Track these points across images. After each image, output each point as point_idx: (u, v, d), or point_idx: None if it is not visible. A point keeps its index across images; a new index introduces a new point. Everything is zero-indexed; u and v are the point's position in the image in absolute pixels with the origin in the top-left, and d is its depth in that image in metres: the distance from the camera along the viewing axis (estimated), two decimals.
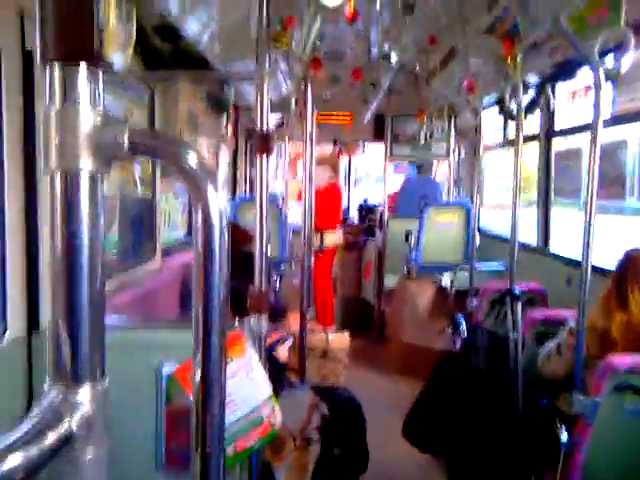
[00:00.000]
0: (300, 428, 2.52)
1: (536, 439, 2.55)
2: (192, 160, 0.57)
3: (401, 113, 6.77)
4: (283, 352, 2.50)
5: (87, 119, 0.55)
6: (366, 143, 8.73)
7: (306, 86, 3.11)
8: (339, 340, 3.56)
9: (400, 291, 5.72)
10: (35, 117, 1.96)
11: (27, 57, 1.93)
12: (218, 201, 0.58)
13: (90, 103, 0.55)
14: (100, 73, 0.56)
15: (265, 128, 2.00)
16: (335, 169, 5.97)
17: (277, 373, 2.40)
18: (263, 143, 1.99)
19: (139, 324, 2.24)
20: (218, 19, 3.28)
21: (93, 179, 0.57)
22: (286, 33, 2.56)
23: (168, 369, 2.01)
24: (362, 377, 4.70)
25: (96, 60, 0.55)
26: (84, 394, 0.57)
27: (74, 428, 0.55)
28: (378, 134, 7.14)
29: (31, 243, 2.00)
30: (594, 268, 2.40)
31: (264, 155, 2.02)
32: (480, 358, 2.95)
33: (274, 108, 2.84)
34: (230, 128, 5.63)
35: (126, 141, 0.56)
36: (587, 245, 2.31)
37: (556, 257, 4.18)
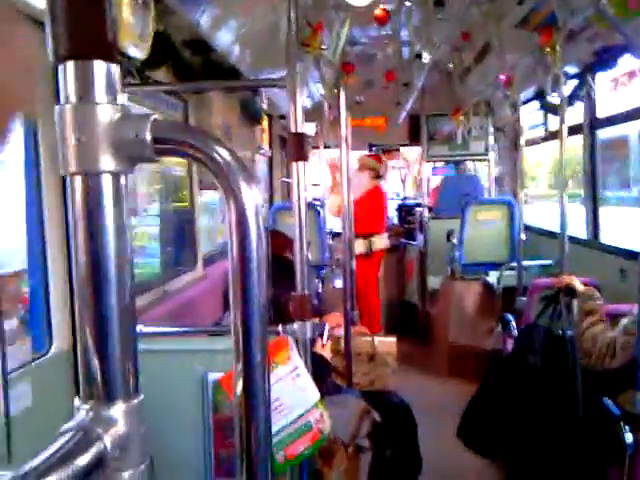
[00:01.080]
0: (351, 435, 2.47)
1: (599, 440, 2.44)
2: (224, 154, 0.53)
3: (436, 112, 6.67)
4: (324, 349, 2.45)
5: (105, 116, 0.52)
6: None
7: (339, 91, 3.09)
8: (386, 344, 3.49)
9: (445, 292, 5.62)
10: None
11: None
12: (253, 197, 0.54)
13: (107, 99, 0.52)
14: (117, 67, 0.53)
15: (300, 133, 1.97)
16: (378, 173, 5.90)
17: (321, 372, 2.36)
18: (298, 149, 1.97)
19: (183, 332, 2.24)
20: (247, 29, 3.29)
21: (116, 180, 0.53)
22: (316, 37, 2.53)
23: (213, 377, 2.00)
24: (410, 380, 4.62)
25: (111, 54, 0.51)
26: (117, 411, 0.54)
27: (108, 447, 0.52)
28: (414, 135, 7.06)
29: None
30: None
31: (300, 161, 1.99)
32: (535, 357, 2.85)
33: (308, 116, 2.82)
34: (265, 137, 5.66)
35: (149, 137, 0.52)
36: None
37: (609, 249, 4.03)
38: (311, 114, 5.53)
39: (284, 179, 6.63)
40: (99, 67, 0.51)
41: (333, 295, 5.07)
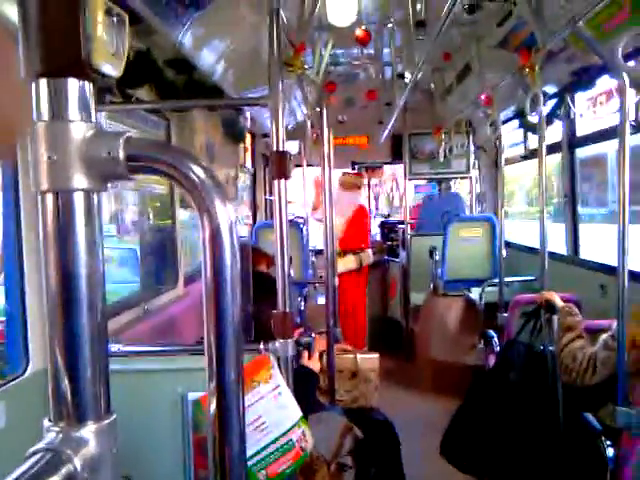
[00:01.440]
0: (333, 453, 2.45)
1: (580, 455, 2.45)
2: (198, 171, 0.52)
3: (418, 131, 6.74)
4: (313, 361, 2.44)
5: (77, 134, 0.51)
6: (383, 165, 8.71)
7: (321, 110, 3.10)
8: (368, 360, 3.48)
9: (428, 308, 5.63)
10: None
11: None
12: (228, 215, 0.53)
13: (81, 117, 0.52)
14: (90, 85, 0.52)
15: (282, 151, 1.98)
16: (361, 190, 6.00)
17: (309, 384, 2.34)
18: (280, 166, 1.97)
19: (163, 351, 2.21)
20: (230, 48, 3.31)
21: (88, 198, 0.53)
22: (299, 56, 2.55)
23: (194, 396, 1.98)
24: (393, 397, 4.60)
25: (84, 72, 0.51)
26: (87, 432, 0.53)
27: (78, 469, 0.51)
28: (396, 154, 7.12)
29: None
30: (632, 274, 2.32)
31: (282, 179, 2.00)
32: (517, 373, 2.86)
33: (291, 134, 2.83)
34: (247, 155, 5.67)
35: (122, 155, 0.51)
36: (622, 252, 2.24)
37: (588, 265, 4.07)
38: (294, 133, 5.56)
39: (267, 197, 6.64)
40: (72, 85, 0.51)
41: (316, 312, 5.05)
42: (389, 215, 9.29)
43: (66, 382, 0.52)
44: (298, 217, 6.41)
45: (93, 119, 0.53)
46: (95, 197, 0.53)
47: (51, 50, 0.49)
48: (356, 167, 7.78)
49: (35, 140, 0.51)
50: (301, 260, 5.31)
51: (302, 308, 4.93)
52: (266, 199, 6.67)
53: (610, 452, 2.26)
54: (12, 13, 1.65)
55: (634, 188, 2.31)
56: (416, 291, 6.14)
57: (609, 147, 4.23)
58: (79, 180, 0.51)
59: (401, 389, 5.13)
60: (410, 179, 7.03)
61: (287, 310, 2.03)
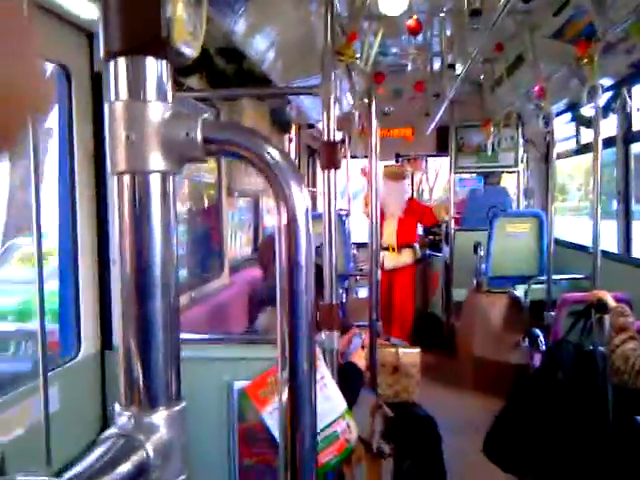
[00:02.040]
0: (367, 431, 2.44)
1: (631, 459, 2.37)
2: (274, 154, 0.51)
3: (465, 124, 6.62)
4: (359, 357, 2.43)
5: (155, 114, 0.50)
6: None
7: (370, 100, 3.06)
8: (410, 355, 3.45)
9: (470, 304, 5.55)
10: (105, 136, 1.99)
11: (96, 77, 1.97)
12: (304, 200, 0.52)
13: (158, 97, 0.51)
14: (168, 65, 0.51)
15: (333, 141, 1.96)
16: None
17: (356, 380, 2.34)
18: (331, 156, 1.95)
19: (210, 340, 2.23)
20: (280, 37, 3.30)
21: (164, 180, 0.52)
22: (350, 45, 2.52)
23: (239, 385, 1.99)
24: (434, 393, 4.55)
25: (163, 51, 0.50)
26: (159, 418, 0.52)
27: (150, 455, 0.50)
28: (441, 146, 7.01)
29: (103, 261, 2.03)
30: None
31: (332, 169, 1.97)
32: (565, 373, 2.78)
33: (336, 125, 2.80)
34: (292, 146, 5.68)
35: (199, 137, 0.50)
36: None
37: None
38: (340, 123, 5.53)
39: (310, 188, 6.64)
40: (151, 64, 0.50)
41: (357, 305, 5.04)
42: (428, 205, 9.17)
43: (139, 367, 0.51)
44: (340, 209, 6.39)
45: (170, 99, 0.52)
46: (171, 179, 0.52)
47: (131, 28, 0.49)
48: (400, 159, 7.71)
49: (113, 120, 0.51)
50: (343, 253, 5.29)
51: (344, 300, 4.92)
52: (309, 190, 6.67)
53: None
54: None
55: None
56: (458, 287, 6.06)
57: None
58: (156, 161, 0.50)
59: (441, 385, 5.07)
60: (456, 172, 6.92)
61: (334, 302, 2.01)
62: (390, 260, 5.71)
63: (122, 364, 0.52)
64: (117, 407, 0.53)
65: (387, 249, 5.68)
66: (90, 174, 1.99)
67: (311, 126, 5.81)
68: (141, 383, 0.51)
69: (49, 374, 1.79)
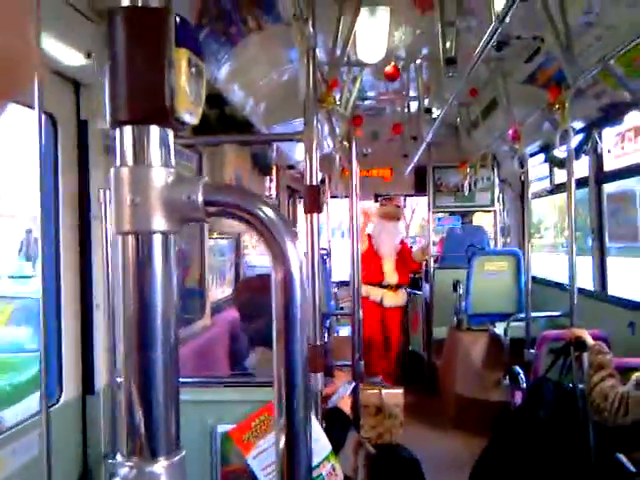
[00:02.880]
0: (351, 468, 2.42)
1: None
2: (270, 215, 0.55)
3: (443, 164, 6.77)
4: (344, 404, 2.43)
5: (159, 179, 0.54)
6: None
7: (350, 143, 3.14)
8: (393, 395, 3.45)
9: (451, 342, 5.57)
10: (89, 183, 2.03)
11: (82, 126, 2.01)
12: (297, 255, 0.55)
13: (162, 163, 0.54)
14: (171, 132, 0.55)
15: (316, 186, 2.01)
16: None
17: (343, 427, 2.33)
18: (314, 200, 2.00)
19: (191, 383, 2.22)
20: (261, 84, 3.39)
21: (166, 240, 0.55)
22: (330, 92, 2.61)
23: (223, 428, 1.98)
24: (417, 433, 4.54)
25: (167, 120, 0.54)
26: (160, 468, 0.54)
27: None
28: (419, 186, 7.14)
29: (86, 307, 2.03)
30: None
31: (314, 212, 2.02)
32: (546, 410, 2.81)
33: None
34: (272, 187, 5.74)
35: (200, 199, 0.54)
36: None
37: (617, 301, 4.02)
38: (319, 165, 5.61)
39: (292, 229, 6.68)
40: (155, 132, 0.54)
41: (339, 344, 5.04)
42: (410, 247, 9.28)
43: (140, 417, 0.53)
44: (321, 248, 6.44)
45: (173, 164, 0.55)
46: (172, 237, 0.56)
47: (137, 99, 0.52)
48: (379, 199, 7.83)
49: (118, 184, 0.54)
50: (324, 291, 5.31)
51: (326, 340, 4.92)
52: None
53: None
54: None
55: None
56: (439, 325, 6.09)
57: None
58: (159, 222, 0.54)
59: (423, 424, 5.05)
60: (434, 212, 7.04)
61: (318, 343, 2.03)
62: (391, 299, 5.77)
63: (125, 414, 0.54)
64: (119, 457, 0.54)
65: (386, 287, 5.74)
66: (74, 220, 2.01)
67: (291, 167, 5.89)
68: (142, 433, 0.53)
69: (28, 421, 1.78)
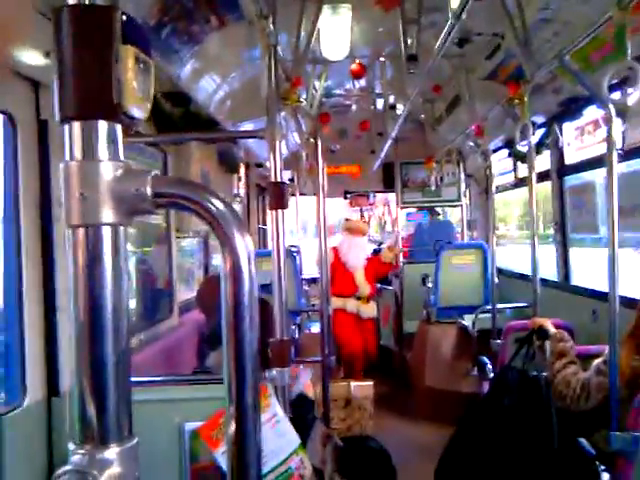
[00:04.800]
0: (320, 460, 2.45)
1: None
2: (219, 206, 0.56)
3: (410, 160, 6.84)
4: (308, 388, 2.46)
5: (108, 173, 0.55)
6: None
7: (316, 140, 3.16)
8: (362, 388, 3.49)
9: (421, 335, 5.64)
10: (51, 183, 2.00)
11: (42, 125, 1.99)
12: (247, 247, 0.57)
13: (110, 157, 0.55)
14: (119, 127, 0.56)
15: (280, 182, 2.02)
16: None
17: (309, 411, 2.36)
18: (278, 197, 2.01)
19: (159, 382, 2.22)
20: (226, 82, 3.38)
21: (116, 232, 0.56)
22: (295, 90, 2.62)
23: (191, 426, 1.98)
24: (388, 425, 4.58)
25: (115, 115, 0.55)
26: (112, 454, 0.55)
27: None
28: (387, 182, 7.20)
29: (50, 307, 2.01)
30: (622, 299, 2.35)
31: (279, 209, 2.03)
32: (511, 399, 2.87)
33: (284, 164, 2.87)
34: (241, 185, 5.72)
35: (149, 191, 0.55)
36: (613, 277, 2.28)
37: (580, 291, 4.12)
38: (287, 162, 5.63)
39: (260, 226, 6.68)
40: (103, 127, 0.55)
41: (311, 340, 5.06)
42: (382, 243, 9.35)
43: (92, 406, 0.55)
44: (292, 246, 6.45)
45: (122, 157, 0.57)
46: (122, 230, 0.57)
47: (86, 95, 0.53)
48: (349, 195, 7.88)
49: (67, 178, 0.55)
50: (295, 289, 5.33)
51: (296, 336, 4.94)
52: (259, 228, 6.71)
53: (605, 477, 2.26)
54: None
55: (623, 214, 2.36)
56: (409, 319, 6.16)
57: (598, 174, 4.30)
58: (108, 215, 0.55)
59: (395, 416, 5.11)
60: (402, 207, 7.11)
61: (284, 338, 2.04)
62: (367, 310, 5.82)
63: (77, 404, 0.55)
64: (71, 445, 0.55)
65: (360, 299, 5.78)
66: (36, 221, 1.99)
67: (260, 165, 5.89)
68: (94, 421, 0.55)
69: None
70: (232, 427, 0.57)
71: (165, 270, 3.47)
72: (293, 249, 6.34)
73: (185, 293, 3.94)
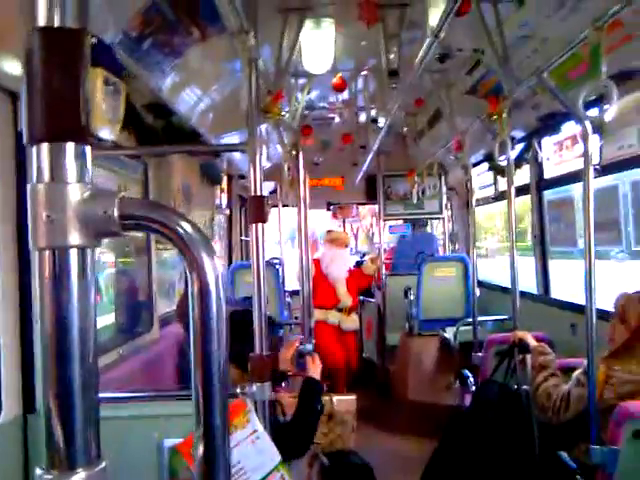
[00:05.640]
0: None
1: None
2: (187, 229, 0.56)
3: (392, 173, 6.88)
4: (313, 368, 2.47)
5: (75, 195, 0.55)
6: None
7: (297, 153, 3.17)
8: (345, 402, 3.46)
9: (403, 348, 5.65)
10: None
11: (20, 137, 1.97)
12: (214, 269, 0.57)
13: (78, 179, 0.55)
14: (88, 149, 0.56)
15: (260, 196, 2.02)
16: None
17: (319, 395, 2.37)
18: (258, 211, 2.01)
19: (139, 397, 2.19)
20: (208, 94, 3.38)
21: (83, 254, 0.56)
22: (276, 103, 2.63)
23: (170, 442, 1.96)
24: (370, 438, 4.57)
25: (83, 137, 0.55)
26: (79, 479, 0.54)
27: None
28: (370, 195, 7.24)
29: (25, 323, 1.99)
30: (600, 312, 2.38)
31: (259, 222, 2.03)
32: (492, 412, 2.88)
33: (266, 176, 2.88)
34: (224, 197, 5.72)
35: (116, 214, 0.55)
36: (589, 291, 2.31)
37: (559, 304, 4.16)
38: (270, 174, 5.64)
39: (243, 238, 6.67)
40: (71, 149, 0.55)
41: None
42: (364, 255, 9.38)
43: (59, 430, 0.54)
44: (274, 258, 6.44)
45: (89, 180, 0.56)
46: (89, 253, 0.57)
47: (53, 117, 0.53)
48: (331, 207, 7.90)
49: (34, 200, 0.55)
50: (277, 301, 5.32)
51: (279, 350, 4.91)
52: (242, 240, 6.69)
53: None
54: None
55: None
56: (391, 331, 6.17)
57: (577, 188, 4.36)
58: (75, 238, 0.55)
59: (377, 429, 5.09)
60: (385, 220, 7.14)
61: (264, 353, 2.03)
62: (349, 322, 5.82)
63: (44, 427, 0.55)
64: (38, 471, 0.55)
65: (341, 310, 5.77)
66: (13, 235, 1.97)
67: (243, 177, 5.89)
68: (61, 445, 0.54)
69: None
70: (200, 448, 0.56)
71: (145, 282, 3.44)
72: (275, 261, 6.33)
73: (166, 306, 3.91)
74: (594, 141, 2.47)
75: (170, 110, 3.06)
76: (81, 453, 0.55)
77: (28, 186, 0.55)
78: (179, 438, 1.90)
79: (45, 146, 0.54)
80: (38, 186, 0.55)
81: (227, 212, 6.05)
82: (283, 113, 2.92)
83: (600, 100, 3.02)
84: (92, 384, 0.56)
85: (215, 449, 0.56)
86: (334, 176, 7.30)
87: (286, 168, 4.68)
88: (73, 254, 0.55)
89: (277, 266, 5.99)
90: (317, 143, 6.07)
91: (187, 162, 3.71)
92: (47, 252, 0.55)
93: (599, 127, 3.01)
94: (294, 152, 3.33)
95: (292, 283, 6.55)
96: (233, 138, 4.05)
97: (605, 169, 3.23)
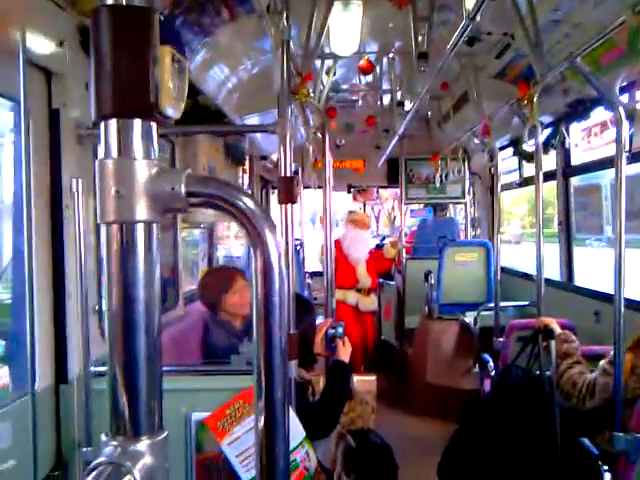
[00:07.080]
0: (331, 460, 2.48)
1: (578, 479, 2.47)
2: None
3: (415, 157, 6.84)
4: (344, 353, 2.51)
5: (143, 171, 0.56)
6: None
7: (323, 135, 3.16)
8: (366, 382, 3.49)
9: (422, 331, 5.66)
10: (62, 174, 2.01)
11: (53, 114, 2.00)
12: (277, 246, 0.58)
13: (145, 155, 0.56)
14: (154, 126, 0.57)
15: (290, 177, 2.03)
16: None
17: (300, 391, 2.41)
18: (288, 191, 2.02)
19: (167, 371, 2.23)
20: (235, 75, 3.38)
21: (149, 229, 0.57)
22: (304, 85, 2.62)
23: (197, 416, 1.99)
24: (388, 419, 4.61)
25: (151, 114, 0.56)
26: (144, 447, 0.56)
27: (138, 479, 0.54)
28: (392, 178, 7.21)
29: (59, 297, 2.03)
30: (627, 301, 2.36)
31: (289, 203, 2.04)
32: (514, 397, 2.88)
33: None
34: (246, 178, 5.73)
35: (183, 190, 0.56)
36: (619, 279, 2.29)
37: (583, 291, 4.13)
38: (293, 156, 5.62)
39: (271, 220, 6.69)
40: (139, 126, 0.56)
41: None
42: (384, 238, 9.36)
43: (124, 398, 0.56)
44: (295, 239, 6.46)
45: (156, 157, 0.58)
46: (155, 228, 0.58)
47: (123, 94, 0.54)
48: (352, 190, 7.89)
49: (103, 175, 0.56)
50: (297, 282, 5.35)
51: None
52: None
53: (607, 477, 2.28)
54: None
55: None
56: (410, 314, 6.18)
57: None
58: (142, 212, 0.56)
59: (395, 411, 5.13)
60: (406, 203, 7.12)
61: (291, 331, 2.06)
62: (365, 303, 5.87)
63: (110, 396, 0.57)
64: (103, 437, 0.57)
65: (360, 291, 5.81)
66: (46, 210, 2.00)
67: (264, 157, 5.89)
68: (126, 413, 0.56)
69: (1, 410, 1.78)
70: (261, 421, 0.58)
71: (171, 260, 3.48)
72: (296, 242, 6.35)
73: (190, 283, 3.95)
74: (626, 128, 2.42)
75: (197, 90, 3.07)
76: (145, 421, 0.57)
77: (96, 162, 0.57)
78: (206, 412, 1.95)
79: (113, 122, 0.56)
80: (107, 162, 0.56)
81: (249, 193, 6.06)
82: (310, 95, 2.91)
83: (632, 86, 2.98)
84: (156, 355, 0.58)
85: (275, 421, 0.57)
86: (356, 159, 7.28)
87: (310, 150, 4.68)
88: (140, 229, 0.57)
89: (297, 247, 6.01)
90: (339, 126, 6.05)
91: (212, 142, 3.72)
92: (115, 226, 0.56)
93: (630, 114, 2.97)
94: (319, 134, 3.33)
95: (311, 264, 6.58)
96: (256, 119, 4.05)
97: (635, 156, 3.19)
